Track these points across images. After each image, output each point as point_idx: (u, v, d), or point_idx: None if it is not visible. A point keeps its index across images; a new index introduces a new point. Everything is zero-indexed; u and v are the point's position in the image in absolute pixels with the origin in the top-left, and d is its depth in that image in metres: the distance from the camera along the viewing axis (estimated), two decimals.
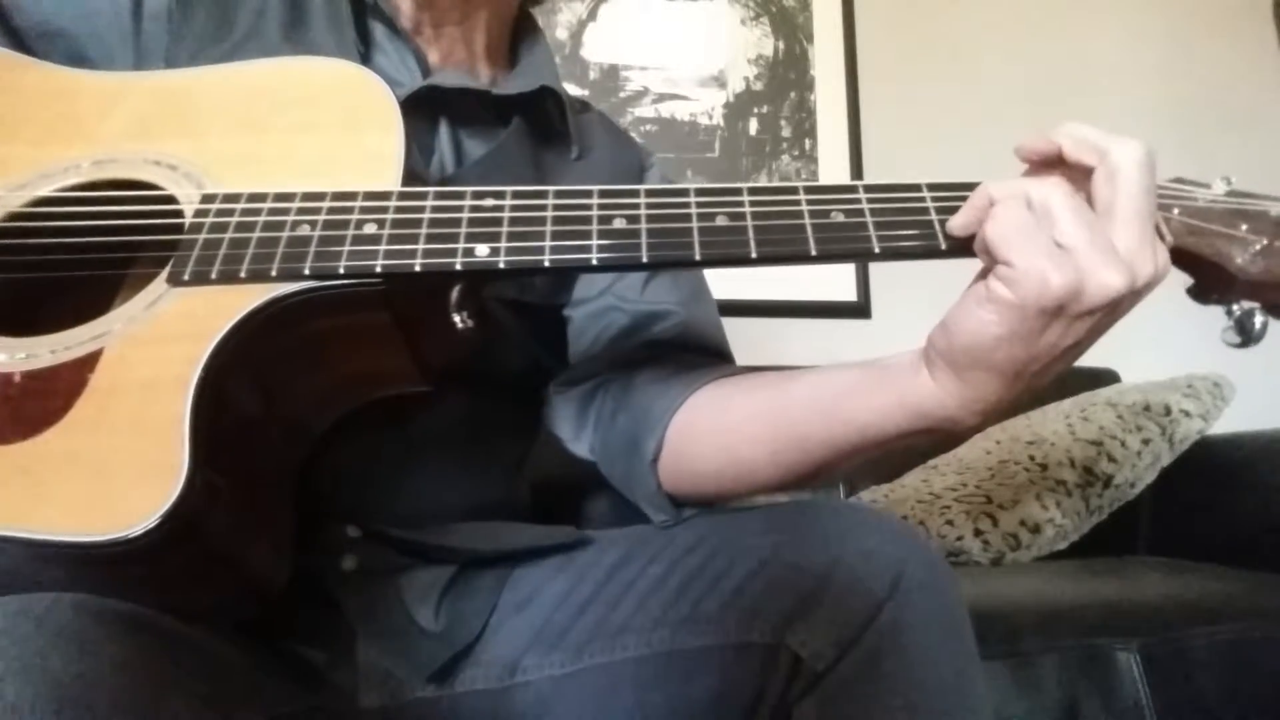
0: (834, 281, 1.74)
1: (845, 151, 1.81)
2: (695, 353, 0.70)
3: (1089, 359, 1.71)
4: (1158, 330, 1.76)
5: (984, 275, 0.47)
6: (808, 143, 1.81)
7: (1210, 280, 0.50)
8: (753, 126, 1.80)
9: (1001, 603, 0.96)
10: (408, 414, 0.61)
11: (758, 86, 1.82)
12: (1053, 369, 0.47)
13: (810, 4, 1.85)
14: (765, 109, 1.82)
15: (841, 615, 0.52)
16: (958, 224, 0.48)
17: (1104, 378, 1.60)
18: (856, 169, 1.80)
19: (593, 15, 1.76)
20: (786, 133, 1.81)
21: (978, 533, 1.24)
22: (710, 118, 1.79)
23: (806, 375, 0.59)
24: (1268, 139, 1.97)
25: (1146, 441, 1.30)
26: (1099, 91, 1.94)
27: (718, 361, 0.70)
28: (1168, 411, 1.32)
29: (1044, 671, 0.88)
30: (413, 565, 0.63)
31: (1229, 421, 1.35)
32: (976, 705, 0.53)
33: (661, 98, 1.77)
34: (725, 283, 1.64)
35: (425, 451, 0.64)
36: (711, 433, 0.62)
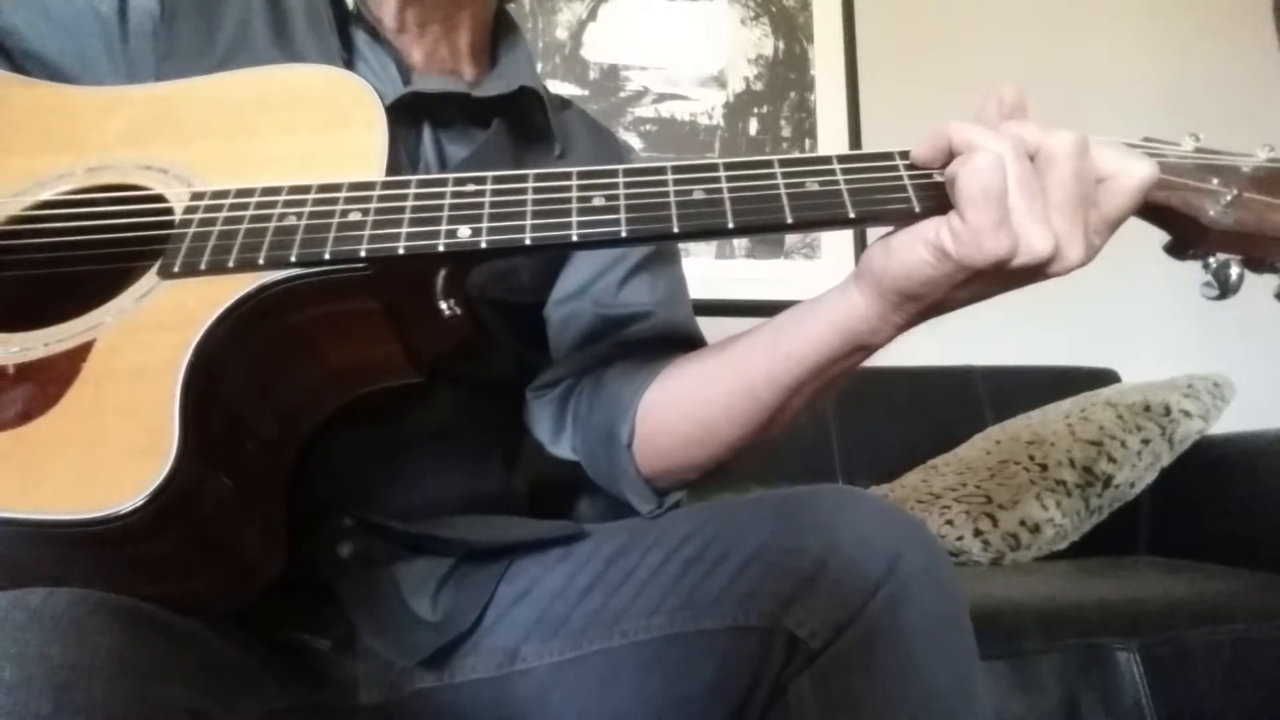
0: (831, 281, 1.73)
1: (845, 151, 1.80)
2: (673, 347, 0.70)
3: (1089, 359, 1.71)
4: (1158, 330, 1.77)
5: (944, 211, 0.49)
6: (808, 143, 1.81)
7: (1185, 234, 0.52)
8: (753, 126, 1.80)
9: (1001, 603, 0.96)
10: (401, 410, 0.62)
11: (758, 86, 1.82)
12: (961, 307, 0.52)
13: (810, 4, 1.85)
14: (765, 109, 1.82)
15: (838, 597, 0.53)
16: (922, 155, 0.50)
17: (1104, 378, 1.60)
18: None
19: (593, 15, 1.76)
20: (786, 133, 1.81)
21: (978, 533, 1.24)
22: (710, 118, 1.79)
23: (749, 330, 0.62)
24: (1268, 139, 1.97)
25: (1146, 441, 1.30)
26: (1099, 92, 1.94)
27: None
28: (1168, 411, 1.32)
29: (1044, 671, 0.88)
30: (410, 555, 0.63)
31: (1229, 421, 1.35)
32: (971, 688, 0.53)
33: (661, 98, 1.77)
34: (722, 283, 1.65)
35: (419, 447, 0.65)
36: (671, 403, 0.64)
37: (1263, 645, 0.93)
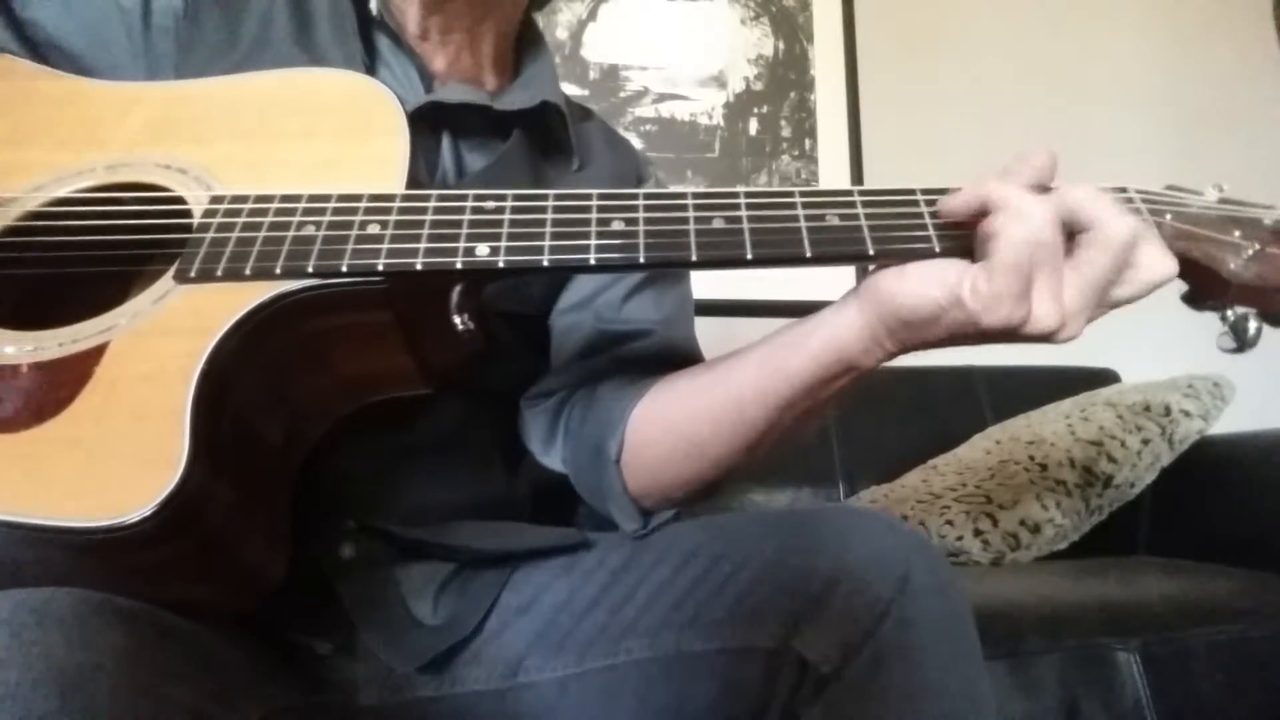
0: (834, 282, 1.73)
1: (845, 151, 1.81)
2: (671, 366, 0.69)
3: (1089, 359, 1.71)
4: (1158, 330, 1.76)
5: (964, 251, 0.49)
6: (808, 143, 1.81)
7: (1204, 285, 0.51)
8: (753, 126, 1.80)
9: (1001, 603, 0.96)
10: (407, 416, 0.61)
11: (758, 86, 1.82)
12: (948, 347, 0.52)
13: (810, 4, 1.85)
14: (765, 109, 1.82)
15: (848, 619, 0.52)
16: (956, 209, 0.49)
17: (1104, 378, 1.60)
18: (856, 169, 1.80)
19: (593, 15, 1.76)
20: (786, 133, 1.81)
21: (978, 533, 1.24)
22: (710, 118, 1.79)
23: (743, 347, 0.61)
24: (1267, 139, 1.97)
25: (1146, 441, 1.30)
26: (1099, 92, 1.94)
27: None
28: (1168, 411, 1.32)
29: (1044, 671, 0.88)
30: (412, 558, 0.63)
31: (1229, 421, 1.35)
32: (983, 708, 0.53)
33: (661, 98, 1.77)
34: (724, 284, 1.65)
35: (425, 453, 0.64)
36: (659, 416, 0.64)
37: (1263, 645, 0.93)
